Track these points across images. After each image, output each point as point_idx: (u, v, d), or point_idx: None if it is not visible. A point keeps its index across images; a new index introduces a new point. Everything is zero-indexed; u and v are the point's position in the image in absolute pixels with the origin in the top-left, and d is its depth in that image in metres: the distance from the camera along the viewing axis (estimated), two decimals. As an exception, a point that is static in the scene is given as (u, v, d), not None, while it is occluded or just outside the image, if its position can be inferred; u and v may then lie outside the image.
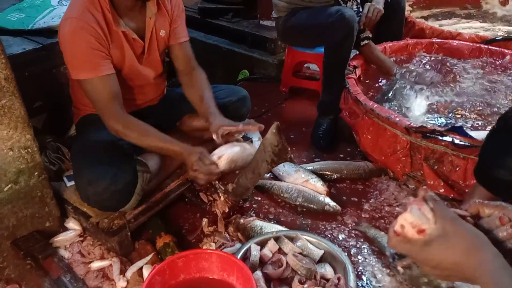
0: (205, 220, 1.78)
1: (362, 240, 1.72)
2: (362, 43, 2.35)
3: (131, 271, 1.53)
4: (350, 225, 1.80)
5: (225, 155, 1.54)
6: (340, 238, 1.74)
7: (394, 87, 2.28)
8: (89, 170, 1.53)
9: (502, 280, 0.65)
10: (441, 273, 0.72)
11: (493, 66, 2.40)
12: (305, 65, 3.02)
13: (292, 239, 1.59)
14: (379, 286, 1.53)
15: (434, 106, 2.17)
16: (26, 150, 1.50)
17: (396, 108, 2.12)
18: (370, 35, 2.37)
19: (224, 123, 1.62)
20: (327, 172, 2.06)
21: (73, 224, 1.69)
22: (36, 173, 1.56)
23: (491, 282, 0.65)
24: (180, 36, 1.79)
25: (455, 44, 2.61)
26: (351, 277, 1.42)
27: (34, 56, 1.86)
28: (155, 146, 1.58)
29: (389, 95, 2.24)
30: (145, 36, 1.67)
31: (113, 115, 1.55)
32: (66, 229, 1.69)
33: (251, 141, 2.13)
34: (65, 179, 1.76)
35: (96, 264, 1.58)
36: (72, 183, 1.70)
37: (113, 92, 1.55)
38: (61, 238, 1.65)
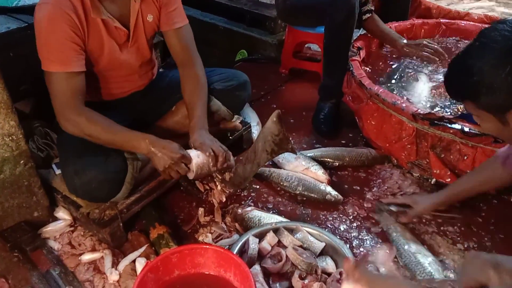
0: (201, 210, 1.71)
1: (364, 231, 1.66)
2: (364, 16, 2.23)
3: (123, 264, 1.47)
4: (352, 215, 1.73)
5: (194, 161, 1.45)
6: (342, 229, 1.68)
7: (399, 70, 2.18)
8: (76, 159, 1.45)
9: None
10: None
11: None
12: (306, 46, 2.91)
13: (292, 231, 1.53)
14: (382, 280, 1.47)
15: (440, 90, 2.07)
16: (10, 138, 1.42)
17: (401, 91, 2.02)
18: (373, 8, 2.24)
19: (199, 142, 1.50)
20: (329, 159, 1.99)
21: (63, 214, 1.62)
22: (22, 161, 1.48)
23: None
24: (175, 21, 1.63)
25: (463, 24, 2.50)
26: (354, 272, 1.36)
27: (19, 36, 1.75)
28: (120, 139, 1.44)
29: (394, 77, 2.14)
30: (129, 22, 1.53)
31: (74, 109, 1.41)
32: (55, 219, 1.63)
33: (250, 126, 2.05)
34: (54, 166, 1.68)
35: (87, 257, 1.51)
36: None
37: (77, 90, 1.42)
38: (50, 229, 1.59)
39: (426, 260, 1.46)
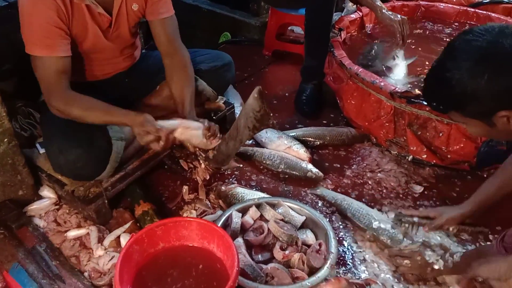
0: (185, 188, 1.74)
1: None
2: None
3: (108, 239, 1.50)
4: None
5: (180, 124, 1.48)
6: (321, 204, 1.73)
7: (373, 48, 2.23)
8: (60, 138, 1.46)
9: None
10: None
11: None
12: (289, 28, 2.92)
13: (274, 206, 1.57)
14: (360, 251, 1.54)
15: (414, 69, 2.12)
16: (-7, 116, 1.42)
17: (376, 69, 2.07)
18: None
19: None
20: (310, 139, 2.04)
21: (47, 192, 1.64)
22: (5, 139, 1.49)
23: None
24: (161, 12, 1.63)
25: (442, 7, 2.55)
26: (333, 243, 1.42)
27: (0, 15, 1.74)
28: (99, 120, 1.46)
29: (369, 56, 2.19)
30: (112, 9, 1.53)
31: (56, 94, 1.43)
32: (40, 197, 1.64)
33: (233, 107, 2.07)
34: (37, 145, 1.69)
35: (73, 233, 1.54)
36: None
37: (62, 74, 1.43)
38: (35, 207, 1.61)
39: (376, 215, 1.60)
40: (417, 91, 1.74)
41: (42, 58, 1.41)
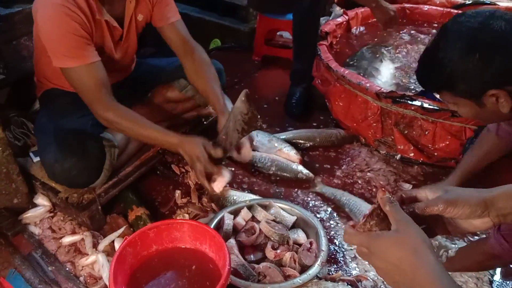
0: (178, 192, 1.76)
1: (332, 205, 1.75)
2: None
3: (103, 244, 1.52)
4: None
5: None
6: (311, 204, 1.76)
7: (360, 51, 2.28)
8: (55, 147, 1.48)
9: (439, 283, 0.67)
10: (385, 267, 0.72)
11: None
12: (278, 33, 2.97)
13: (265, 207, 1.60)
14: (351, 249, 1.57)
15: (401, 70, 2.17)
16: (-14, 125, 1.44)
17: (364, 71, 2.12)
18: None
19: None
20: (300, 141, 2.07)
21: (42, 200, 1.65)
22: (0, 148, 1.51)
23: (428, 283, 0.67)
24: (168, 17, 1.66)
25: (426, 9, 2.61)
26: (323, 241, 1.45)
27: (-9, 27, 1.77)
28: (149, 136, 1.50)
29: (355, 58, 2.24)
30: (124, 22, 1.57)
31: (102, 103, 1.46)
32: (35, 205, 1.66)
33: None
34: (31, 154, 1.71)
35: (68, 239, 1.56)
36: (39, 158, 1.65)
37: (100, 80, 1.46)
38: (30, 215, 1.62)
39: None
40: (402, 91, 1.78)
41: (77, 69, 1.42)
